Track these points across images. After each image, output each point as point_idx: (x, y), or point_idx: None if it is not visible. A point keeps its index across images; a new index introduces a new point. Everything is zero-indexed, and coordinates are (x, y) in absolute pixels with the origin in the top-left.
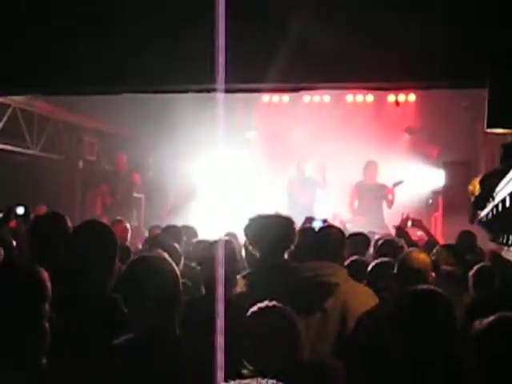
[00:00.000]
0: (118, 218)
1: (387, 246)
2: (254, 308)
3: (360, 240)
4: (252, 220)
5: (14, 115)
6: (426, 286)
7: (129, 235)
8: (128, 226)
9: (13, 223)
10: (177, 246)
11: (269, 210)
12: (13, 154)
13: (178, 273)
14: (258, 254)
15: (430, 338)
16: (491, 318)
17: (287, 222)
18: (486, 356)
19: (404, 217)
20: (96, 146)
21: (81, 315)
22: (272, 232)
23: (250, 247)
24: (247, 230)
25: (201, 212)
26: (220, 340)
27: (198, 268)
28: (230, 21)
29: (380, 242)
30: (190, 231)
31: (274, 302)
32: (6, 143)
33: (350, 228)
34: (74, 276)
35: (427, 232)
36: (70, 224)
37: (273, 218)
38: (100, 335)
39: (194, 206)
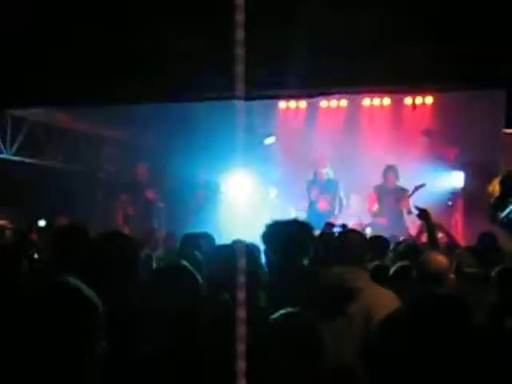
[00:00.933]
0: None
1: (407, 250)
2: (277, 315)
3: (380, 243)
4: (270, 227)
5: (32, 128)
6: (440, 291)
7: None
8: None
9: (34, 236)
10: (197, 254)
11: (288, 215)
12: (33, 167)
13: (199, 281)
14: (277, 261)
15: (445, 344)
16: None
17: (305, 227)
18: None
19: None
20: (116, 156)
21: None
22: (291, 239)
23: (270, 254)
24: (266, 237)
25: (222, 218)
26: (241, 348)
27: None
28: (248, 27)
29: (400, 245)
30: (208, 239)
31: (296, 309)
32: (25, 156)
33: (371, 232)
34: (95, 289)
35: (447, 234)
36: (90, 236)
37: (291, 224)
38: (123, 346)
39: (215, 210)
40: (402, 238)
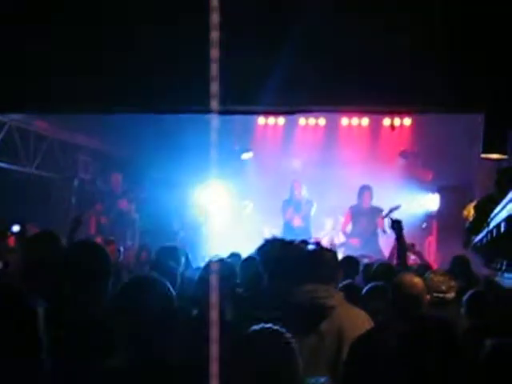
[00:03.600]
0: (111, 238)
1: (381, 270)
2: (250, 331)
3: (350, 264)
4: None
5: (9, 133)
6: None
7: (121, 255)
8: (119, 247)
9: (11, 241)
10: (172, 265)
11: (264, 232)
12: (8, 172)
13: (173, 294)
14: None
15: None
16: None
17: (302, 250)
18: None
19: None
20: (91, 165)
21: (73, 337)
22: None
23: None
24: (264, 253)
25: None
26: (214, 363)
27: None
28: (226, 43)
29: (374, 265)
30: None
31: (270, 325)
32: (1, 161)
33: (343, 251)
34: (66, 297)
35: (420, 256)
36: (62, 243)
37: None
38: (93, 357)
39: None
40: (366, 260)
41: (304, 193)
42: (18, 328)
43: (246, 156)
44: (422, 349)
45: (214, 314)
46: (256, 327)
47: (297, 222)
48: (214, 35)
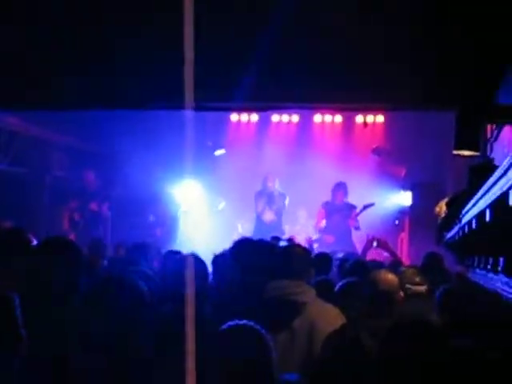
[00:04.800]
0: None
1: (355, 266)
2: (225, 326)
3: (323, 260)
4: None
5: None
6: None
7: None
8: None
9: None
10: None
11: (235, 227)
12: None
13: (144, 291)
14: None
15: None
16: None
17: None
18: None
19: (370, 237)
20: (65, 161)
21: (42, 332)
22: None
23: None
24: (233, 251)
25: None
26: (190, 359)
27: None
28: (200, 39)
29: (348, 262)
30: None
31: (244, 321)
32: None
33: (317, 248)
34: (35, 293)
35: (392, 252)
36: (31, 239)
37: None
38: (63, 352)
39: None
40: (341, 255)
41: (277, 186)
42: None
43: (219, 152)
44: (400, 345)
45: (189, 310)
46: (230, 323)
47: (269, 217)
48: (188, 30)
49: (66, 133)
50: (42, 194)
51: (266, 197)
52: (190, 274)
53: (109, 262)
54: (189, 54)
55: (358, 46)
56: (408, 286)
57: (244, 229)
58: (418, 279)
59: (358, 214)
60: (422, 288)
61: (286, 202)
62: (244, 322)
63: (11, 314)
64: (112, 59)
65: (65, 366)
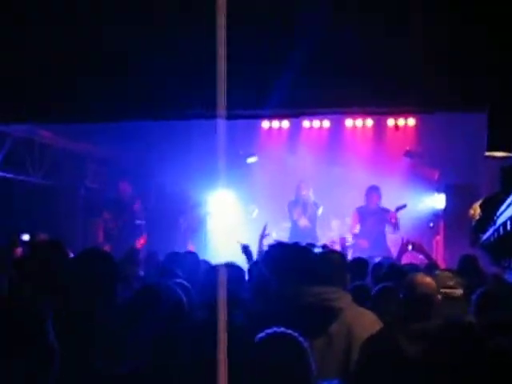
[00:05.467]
0: None
1: (390, 271)
2: (262, 334)
3: (359, 265)
4: (273, 248)
5: (14, 144)
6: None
7: None
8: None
9: (19, 251)
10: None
11: (271, 235)
12: (14, 183)
13: (182, 299)
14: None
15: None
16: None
17: (308, 252)
18: None
19: (404, 241)
20: (98, 173)
21: (82, 344)
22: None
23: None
24: (268, 257)
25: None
26: (222, 366)
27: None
28: (231, 46)
29: (383, 266)
30: (193, 258)
31: (282, 329)
32: (7, 172)
33: (352, 253)
34: (73, 305)
35: (427, 255)
36: (68, 251)
37: (293, 248)
38: (102, 365)
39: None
40: (378, 259)
41: (310, 194)
42: (29, 338)
43: (251, 160)
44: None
45: (222, 318)
46: (268, 331)
47: (303, 223)
48: (220, 37)
49: (98, 144)
50: (76, 206)
51: (301, 205)
52: (223, 282)
53: (144, 272)
54: (221, 61)
55: (387, 49)
56: (443, 289)
57: (279, 236)
58: (452, 282)
59: (395, 216)
60: (458, 291)
61: (320, 211)
62: (281, 329)
63: (43, 329)
64: (141, 69)
65: (99, 378)
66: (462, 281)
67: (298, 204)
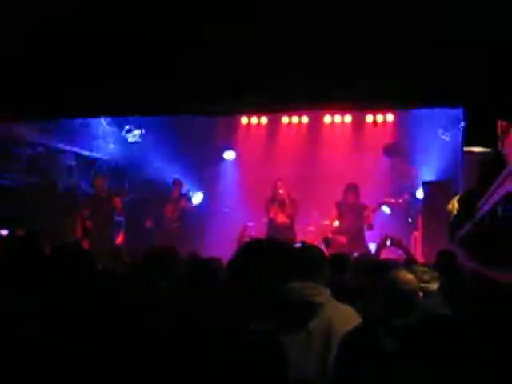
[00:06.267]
0: None
1: (369, 266)
2: (238, 331)
3: (338, 260)
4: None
5: None
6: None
7: None
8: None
9: None
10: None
11: (249, 230)
12: None
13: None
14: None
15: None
16: None
17: (287, 247)
18: None
19: (383, 236)
20: (75, 169)
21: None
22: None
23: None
24: (246, 253)
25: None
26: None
27: None
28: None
29: (362, 262)
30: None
31: (259, 325)
32: None
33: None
34: (49, 298)
35: (406, 251)
36: (44, 245)
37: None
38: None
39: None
40: (356, 254)
41: (287, 191)
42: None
43: (228, 155)
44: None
45: None
46: (244, 327)
47: (281, 219)
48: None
49: (75, 141)
50: (53, 202)
51: (278, 203)
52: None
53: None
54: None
55: (368, 47)
56: (419, 280)
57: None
58: (428, 273)
59: (371, 212)
60: (434, 285)
61: (298, 205)
62: (257, 327)
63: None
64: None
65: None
66: (437, 274)
67: (275, 202)
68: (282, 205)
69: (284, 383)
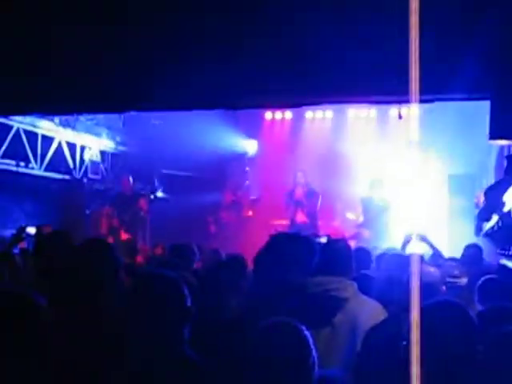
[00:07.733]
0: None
1: (394, 260)
2: (264, 323)
3: (363, 254)
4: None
5: (17, 135)
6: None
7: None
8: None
9: (23, 244)
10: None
11: (269, 229)
12: (17, 175)
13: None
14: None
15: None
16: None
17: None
18: None
19: (409, 231)
20: (100, 165)
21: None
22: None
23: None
24: (271, 248)
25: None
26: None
27: None
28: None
29: (386, 256)
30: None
31: (285, 318)
32: (9, 164)
33: (355, 243)
34: (76, 293)
35: (432, 245)
36: (73, 242)
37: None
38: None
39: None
40: (379, 250)
41: (308, 185)
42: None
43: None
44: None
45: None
46: (269, 320)
47: (300, 219)
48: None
49: (100, 137)
50: (78, 198)
51: (294, 202)
52: (225, 272)
53: (147, 263)
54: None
55: (388, 39)
56: (448, 279)
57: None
58: (457, 272)
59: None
60: (462, 280)
61: (319, 201)
62: (283, 318)
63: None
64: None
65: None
66: (466, 270)
67: (292, 199)
68: (298, 204)
69: (312, 372)
